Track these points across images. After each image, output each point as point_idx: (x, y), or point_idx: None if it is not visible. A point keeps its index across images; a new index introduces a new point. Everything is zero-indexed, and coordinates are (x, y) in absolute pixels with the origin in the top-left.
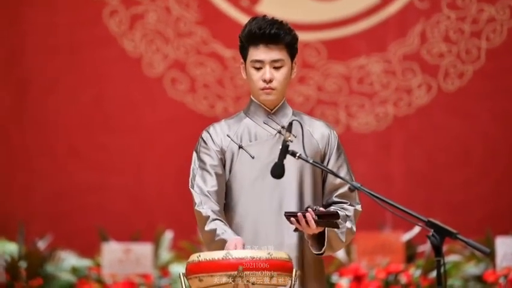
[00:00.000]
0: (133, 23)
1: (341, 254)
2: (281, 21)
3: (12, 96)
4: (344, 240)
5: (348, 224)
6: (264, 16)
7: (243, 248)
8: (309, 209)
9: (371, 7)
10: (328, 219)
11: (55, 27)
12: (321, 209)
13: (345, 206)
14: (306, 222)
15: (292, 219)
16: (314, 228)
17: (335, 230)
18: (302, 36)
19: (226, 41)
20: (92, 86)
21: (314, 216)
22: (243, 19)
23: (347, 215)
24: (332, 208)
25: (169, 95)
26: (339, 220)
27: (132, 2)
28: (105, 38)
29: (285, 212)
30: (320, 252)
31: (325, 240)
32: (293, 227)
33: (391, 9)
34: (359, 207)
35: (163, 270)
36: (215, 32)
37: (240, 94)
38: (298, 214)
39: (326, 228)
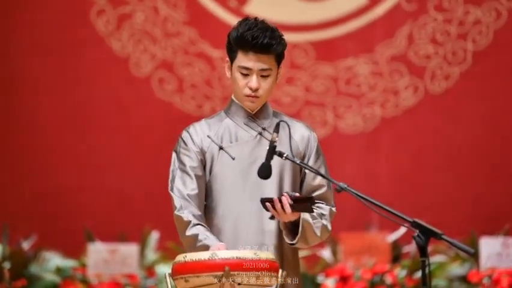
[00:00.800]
0: (121, 23)
1: (327, 254)
2: (272, 29)
3: None
4: (318, 234)
5: (324, 221)
6: (256, 19)
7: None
8: (285, 193)
9: (359, 8)
10: (303, 203)
11: (42, 27)
12: (297, 194)
13: (321, 205)
14: (282, 207)
15: (267, 204)
16: (290, 213)
17: (310, 222)
18: (290, 37)
19: (214, 41)
20: (79, 86)
21: (290, 200)
22: (231, 19)
23: (322, 214)
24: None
25: (156, 95)
26: (314, 206)
27: (119, 1)
28: (92, 38)
29: (261, 198)
30: (293, 242)
31: (298, 231)
32: (272, 229)
33: (378, 11)
34: (334, 209)
35: (149, 270)
36: (203, 32)
37: (228, 94)
38: (274, 198)
39: (301, 219)
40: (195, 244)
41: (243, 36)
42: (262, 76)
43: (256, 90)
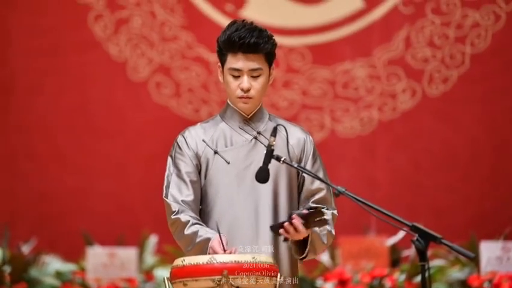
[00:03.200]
0: (118, 28)
1: (325, 258)
2: (260, 29)
3: None
4: (325, 242)
5: (328, 227)
6: (243, 21)
7: (227, 243)
8: (294, 215)
9: (356, 12)
10: (314, 218)
11: (40, 31)
12: (304, 211)
13: (323, 210)
14: (295, 229)
15: (280, 231)
16: (304, 232)
17: (317, 231)
18: (287, 41)
19: (210, 46)
20: (77, 90)
21: (301, 220)
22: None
23: (325, 219)
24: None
25: (153, 99)
26: (325, 216)
27: (117, 6)
28: (90, 42)
29: (270, 226)
30: (303, 256)
31: (307, 244)
32: (267, 234)
33: (376, 14)
34: (335, 211)
35: (148, 274)
36: (200, 36)
37: (225, 98)
38: (285, 224)
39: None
40: (194, 240)
41: (230, 38)
42: (253, 76)
43: (248, 90)
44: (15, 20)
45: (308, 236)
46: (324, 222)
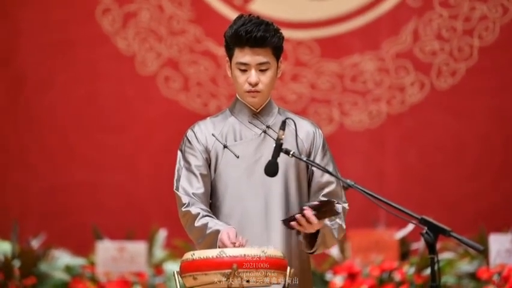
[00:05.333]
0: (126, 22)
1: (335, 251)
2: (267, 23)
3: (7, 95)
4: (336, 236)
5: (339, 221)
6: (250, 15)
7: (236, 236)
8: (306, 207)
9: (364, 5)
10: (326, 208)
11: (49, 26)
12: (315, 202)
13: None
14: (307, 220)
15: (292, 223)
16: (316, 223)
17: (329, 225)
18: (295, 34)
19: (219, 39)
20: (85, 85)
21: (312, 211)
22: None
23: (337, 210)
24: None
25: (162, 93)
26: (336, 206)
27: (125, 0)
28: (98, 37)
29: (282, 220)
30: (313, 250)
31: (317, 238)
32: (277, 228)
33: (384, 7)
34: (346, 205)
35: (157, 268)
36: (208, 30)
37: (233, 92)
38: (297, 216)
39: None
40: (205, 232)
41: (237, 33)
42: (261, 70)
43: (256, 84)
44: (24, 15)
45: (319, 229)
46: (336, 213)
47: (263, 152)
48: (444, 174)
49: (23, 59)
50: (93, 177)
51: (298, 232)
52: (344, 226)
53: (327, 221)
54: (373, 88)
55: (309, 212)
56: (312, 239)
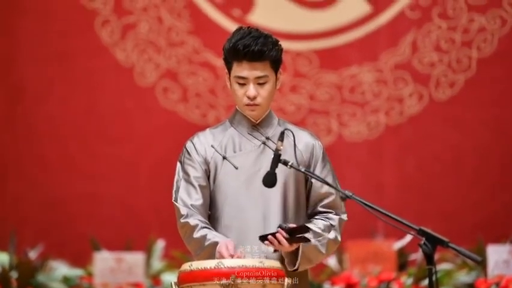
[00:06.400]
0: (125, 33)
1: (332, 262)
2: (266, 35)
3: (5, 105)
4: (324, 251)
5: (332, 234)
6: (249, 27)
7: (234, 248)
8: (279, 229)
9: (363, 17)
10: (298, 233)
11: (48, 37)
12: (291, 225)
13: (330, 215)
14: (278, 242)
15: (266, 242)
16: (287, 247)
17: (313, 243)
18: (294, 46)
19: (218, 51)
20: (84, 96)
21: (285, 234)
22: (235, 28)
23: (331, 224)
24: (315, 218)
25: (161, 104)
26: (310, 234)
27: (124, 12)
28: (97, 48)
29: (259, 236)
30: (294, 268)
31: (297, 257)
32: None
33: (382, 19)
34: (344, 216)
35: (155, 279)
36: (207, 41)
37: (232, 103)
38: (269, 236)
39: (301, 244)
40: (203, 244)
41: (235, 47)
42: (259, 84)
43: (254, 98)
44: (23, 26)
45: (298, 248)
46: (307, 241)
47: (262, 164)
48: (443, 185)
49: (21, 70)
50: (91, 188)
51: (275, 250)
52: (339, 238)
53: (312, 239)
54: (371, 99)
55: (279, 236)
56: (293, 257)
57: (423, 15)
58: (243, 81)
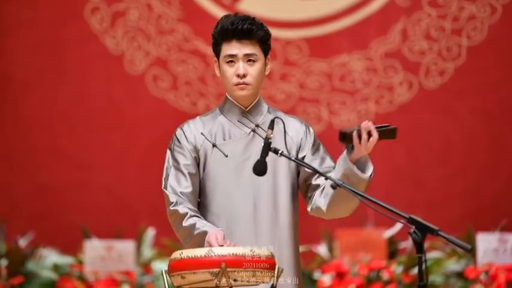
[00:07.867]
0: (115, 20)
1: (323, 250)
2: (253, 18)
3: None
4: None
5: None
6: (236, 13)
7: (224, 238)
8: (364, 122)
9: (353, 5)
10: (386, 130)
11: (36, 24)
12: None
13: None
14: (368, 133)
15: (354, 134)
16: (376, 138)
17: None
18: (284, 34)
19: (208, 38)
20: (73, 84)
21: (372, 126)
22: None
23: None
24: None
25: (151, 92)
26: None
27: None
28: (87, 35)
29: (339, 131)
30: (369, 175)
31: (367, 162)
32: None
33: (372, 7)
34: None
35: (146, 267)
36: (197, 29)
37: (222, 91)
38: (359, 128)
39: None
40: (192, 233)
41: (223, 27)
42: (249, 62)
43: (244, 76)
44: (12, 13)
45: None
46: (395, 136)
47: (252, 151)
48: (432, 173)
49: (10, 58)
50: (81, 176)
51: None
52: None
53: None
54: (362, 88)
55: (370, 125)
56: (361, 164)
57: (413, 4)
58: (232, 59)
